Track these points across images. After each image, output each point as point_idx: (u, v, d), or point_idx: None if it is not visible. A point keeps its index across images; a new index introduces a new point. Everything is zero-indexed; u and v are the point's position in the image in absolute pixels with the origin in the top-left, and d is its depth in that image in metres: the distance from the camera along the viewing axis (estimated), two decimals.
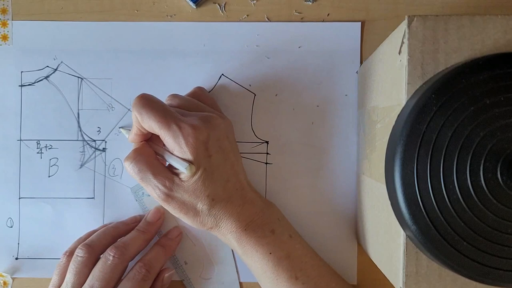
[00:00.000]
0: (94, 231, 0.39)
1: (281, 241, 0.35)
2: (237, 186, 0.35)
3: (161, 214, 0.40)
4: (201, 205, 0.33)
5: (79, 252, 0.36)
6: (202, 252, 0.41)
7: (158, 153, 0.35)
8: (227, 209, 0.34)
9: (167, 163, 0.34)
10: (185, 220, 0.34)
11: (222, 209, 0.34)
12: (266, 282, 0.35)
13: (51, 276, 0.41)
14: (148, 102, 0.32)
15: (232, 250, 0.40)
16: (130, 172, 0.34)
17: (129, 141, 0.36)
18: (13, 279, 0.41)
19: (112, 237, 0.38)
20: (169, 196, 0.33)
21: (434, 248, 0.24)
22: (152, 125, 0.32)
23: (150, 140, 0.36)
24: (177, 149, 0.32)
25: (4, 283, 0.41)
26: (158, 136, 0.34)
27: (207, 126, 0.33)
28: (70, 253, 0.37)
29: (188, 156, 0.32)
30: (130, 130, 0.37)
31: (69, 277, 0.35)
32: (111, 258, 0.35)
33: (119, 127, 0.41)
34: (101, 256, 0.36)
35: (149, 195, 0.41)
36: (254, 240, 0.34)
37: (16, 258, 0.41)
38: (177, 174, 0.33)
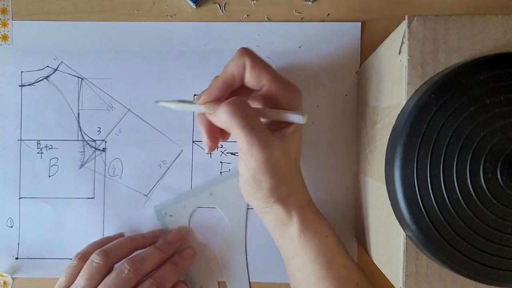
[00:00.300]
0: (109, 238, 0.39)
1: (330, 227, 0.35)
2: (298, 166, 0.35)
3: (182, 236, 0.40)
4: (288, 167, 0.32)
5: (95, 258, 0.36)
6: (217, 277, 0.41)
7: (258, 112, 0.32)
8: (300, 182, 0.34)
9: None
10: (265, 186, 0.31)
11: (298, 180, 0.34)
12: (314, 269, 0.33)
13: (51, 276, 0.41)
14: (259, 57, 0.32)
15: (248, 274, 0.41)
16: (233, 115, 0.29)
17: (201, 103, 0.32)
18: (13, 279, 0.41)
19: (130, 248, 0.38)
20: (269, 150, 0.30)
21: (434, 248, 0.24)
22: (266, 76, 0.31)
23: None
24: (295, 109, 0.32)
25: (4, 283, 0.41)
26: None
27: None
28: (82, 256, 0.37)
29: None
30: (179, 101, 0.33)
31: (80, 281, 0.35)
32: (126, 271, 0.35)
33: (157, 101, 0.35)
34: (116, 266, 0.36)
35: (171, 215, 0.41)
36: (316, 220, 0.34)
37: (16, 258, 0.41)
38: (278, 130, 0.32)
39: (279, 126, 0.32)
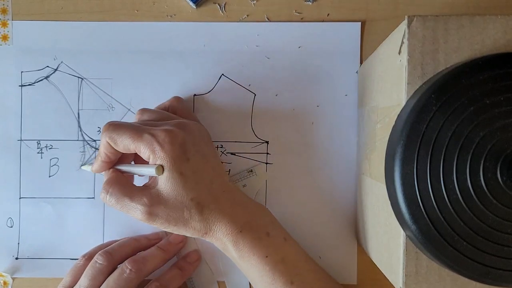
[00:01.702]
0: (117, 241, 0.39)
1: (276, 244, 0.35)
2: (223, 188, 0.34)
3: (184, 237, 0.40)
4: (188, 212, 0.32)
5: (99, 259, 0.36)
6: (217, 277, 0.41)
7: (126, 171, 0.35)
8: (218, 211, 0.33)
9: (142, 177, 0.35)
10: (178, 232, 0.33)
11: (213, 211, 0.33)
12: (263, 287, 0.35)
13: (51, 276, 0.41)
14: (116, 126, 0.32)
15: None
16: (109, 204, 0.33)
17: (92, 171, 0.35)
18: (13, 279, 0.41)
19: (133, 249, 0.38)
20: (151, 214, 0.32)
21: (434, 248, 0.24)
22: (126, 142, 0.32)
23: (114, 165, 0.36)
24: (152, 155, 0.32)
25: (4, 283, 0.41)
26: (121, 157, 0.35)
27: (181, 131, 0.32)
28: (89, 257, 0.37)
29: (164, 161, 0.31)
30: (91, 164, 0.37)
31: (84, 281, 0.35)
32: (127, 271, 0.35)
33: (81, 166, 0.41)
34: (118, 266, 0.36)
35: None
36: (250, 243, 0.33)
37: (16, 258, 0.41)
38: (154, 187, 0.32)
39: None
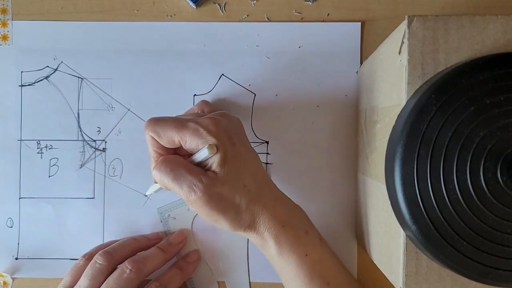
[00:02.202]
0: (117, 241, 0.39)
1: (314, 244, 0.34)
2: (265, 180, 0.33)
3: (184, 238, 0.40)
4: (239, 198, 0.31)
5: (98, 259, 0.36)
6: (218, 277, 0.41)
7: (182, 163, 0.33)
8: (263, 204, 0.32)
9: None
10: (224, 221, 0.32)
11: (258, 203, 0.32)
12: (297, 286, 0.33)
13: (51, 276, 0.41)
14: (157, 120, 0.32)
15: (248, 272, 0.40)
16: (161, 173, 0.31)
17: (153, 175, 0.33)
18: (13, 279, 0.41)
19: (133, 249, 0.38)
20: (207, 193, 0.30)
21: (434, 248, 0.24)
22: (169, 134, 0.31)
23: None
24: (200, 141, 0.31)
25: (4, 283, 0.41)
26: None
27: (224, 119, 0.32)
28: (89, 257, 0.37)
29: (212, 140, 0.30)
30: (153, 187, 0.35)
31: (84, 281, 0.35)
32: (127, 271, 0.35)
33: (146, 194, 0.40)
34: (119, 266, 0.36)
35: (175, 218, 0.41)
36: (292, 239, 0.33)
37: (16, 258, 0.41)
38: (209, 169, 0.31)
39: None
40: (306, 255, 0.33)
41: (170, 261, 0.39)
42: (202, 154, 0.31)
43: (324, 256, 0.34)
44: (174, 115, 0.39)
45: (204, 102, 0.39)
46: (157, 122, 0.32)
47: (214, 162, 0.31)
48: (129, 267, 0.35)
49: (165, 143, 0.32)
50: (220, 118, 0.32)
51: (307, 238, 0.34)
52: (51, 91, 0.41)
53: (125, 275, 0.35)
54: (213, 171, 0.31)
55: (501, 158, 0.23)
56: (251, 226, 0.32)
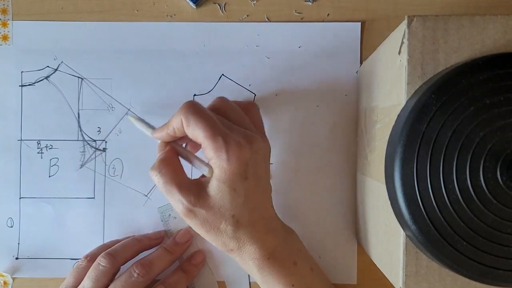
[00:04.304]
0: (118, 241, 0.39)
1: (302, 274, 0.34)
2: (263, 214, 0.34)
3: (190, 236, 0.40)
4: (225, 225, 0.32)
5: (101, 261, 0.36)
6: (217, 277, 0.41)
7: (182, 155, 0.34)
8: (252, 235, 0.32)
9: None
10: (205, 237, 0.33)
11: (247, 233, 0.32)
12: None
13: (51, 276, 0.41)
14: (197, 110, 0.31)
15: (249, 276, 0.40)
16: (155, 182, 0.32)
17: (153, 137, 0.34)
18: (13, 279, 0.41)
19: (136, 250, 0.38)
20: (192, 212, 0.31)
21: (434, 248, 0.24)
22: (198, 133, 0.31)
23: (173, 142, 0.35)
24: (213, 160, 0.31)
25: (4, 283, 0.41)
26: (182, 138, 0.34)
27: (250, 148, 0.32)
28: (92, 258, 0.37)
29: (223, 173, 0.31)
30: (139, 119, 0.36)
31: (87, 283, 0.35)
32: (135, 275, 0.35)
33: (129, 115, 0.38)
34: (124, 269, 0.36)
35: (175, 217, 0.41)
36: (276, 271, 0.33)
37: (16, 258, 0.41)
38: (204, 188, 0.32)
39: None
40: (293, 285, 0.33)
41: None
42: (203, 169, 0.32)
43: (313, 285, 0.35)
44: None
45: (251, 105, 0.38)
46: (195, 112, 0.31)
47: (211, 185, 0.32)
48: (136, 271, 0.35)
49: (189, 133, 0.32)
50: (248, 148, 0.31)
51: (295, 269, 0.34)
52: (51, 91, 0.41)
53: (132, 278, 0.35)
54: (206, 192, 0.32)
55: (501, 158, 0.23)
56: (234, 251, 0.33)
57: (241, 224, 0.32)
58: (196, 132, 0.31)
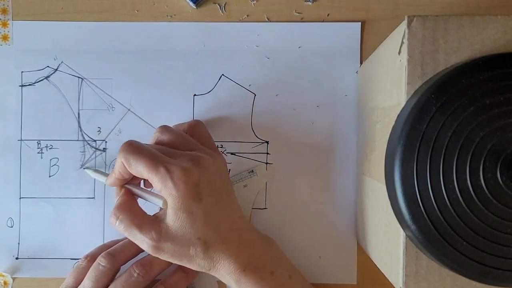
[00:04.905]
0: (118, 241, 0.39)
1: (280, 283, 0.34)
2: (232, 227, 0.34)
3: None
4: (193, 250, 0.32)
5: (102, 261, 0.36)
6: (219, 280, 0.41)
7: (137, 194, 0.35)
8: (223, 251, 0.33)
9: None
10: (184, 265, 0.33)
11: (218, 250, 0.33)
12: None
13: (51, 276, 0.41)
14: (134, 149, 0.32)
15: None
16: (118, 230, 0.33)
17: (107, 184, 0.35)
18: (13, 279, 0.41)
19: (136, 250, 0.38)
20: (158, 248, 0.32)
21: (434, 248, 0.24)
22: (140, 170, 0.31)
23: (128, 183, 0.35)
24: (163, 191, 0.32)
25: (4, 283, 0.41)
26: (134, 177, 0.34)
27: (197, 169, 0.32)
28: (92, 258, 0.37)
29: (175, 200, 0.32)
30: (95, 170, 0.39)
31: (87, 283, 0.35)
32: (135, 275, 0.35)
33: (84, 168, 0.41)
34: (124, 269, 0.36)
35: None
36: (253, 282, 0.33)
37: (16, 258, 0.41)
38: (163, 220, 0.32)
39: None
40: None
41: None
42: (157, 202, 0.33)
43: None
44: (174, 115, 0.39)
45: (196, 123, 0.38)
46: (133, 152, 0.32)
47: (168, 215, 0.32)
48: (136, 271, 0.35)
49: (134, 173, 0.32)
50: (194, 170, 0.32)
51: (272, 278, 0.34)
52: (51, 91, 0.41)
53: (132, 278, 0.35)
54: (166, 224, 0.32)
55: (501, 158, 0.23)
56: (211, 270, 0.33)
57: (210, 243, 0.32)
58: (138, 169, 0.32)
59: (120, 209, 0.33)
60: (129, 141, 0.33)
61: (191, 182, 0.32)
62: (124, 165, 0.32)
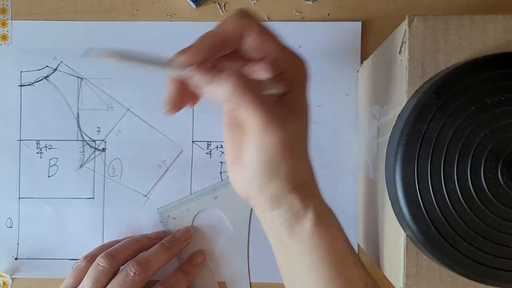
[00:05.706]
0: (117, 241, 0.39)
1: (338, 220, 0.30)
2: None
3: (190, 235, 0.40)
4: (307, 144, 0.27)
5: (101, 261, 0.36)
6: (218, 277, 0.41)
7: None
8: (312, 165, 0.29)
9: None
10: (286, 159, 0.25)
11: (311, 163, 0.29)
12: (326, 269, 0.28)
13: (51, 276, 0.41)
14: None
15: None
16: (243, 81, 0.24)
17: (182, 64, 0.26)
18: (13, 279, 0.41)
19: (135, 250, 0.38)
20: (288, 118, 0.25)
21: (434, 248, 0.24)
22: (272, 41, 0.26)
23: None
24: (294, 68, 0.27)
25: (4, 283, 0.41)
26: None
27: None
28: (91, 258, 0.37)
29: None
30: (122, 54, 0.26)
31: (86, 283, 0.35)
32: (132, 274, 0.35)
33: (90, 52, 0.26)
34: (123, 269, 0.36)
35: (174, 218, 0.41)
36: (329, 211, 0.30)
37: (16, 258, 0.41)
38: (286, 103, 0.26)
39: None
40: (339, 231, 0.29)
41: (174, 261, 0.39)
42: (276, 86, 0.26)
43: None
44: (173, 115, 0.35)
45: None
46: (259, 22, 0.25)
47: (291, 97, 0.26)
48: (133, 269, 0.35)
49: (253, 43, 0.26)
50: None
51: (333, 212, 0.30)
52: (50, 91, 0.41)
53: (129, 277, 0.35)
54: (294, 109, 0.26)
55: (502, 158, 0.23)
56: (301, 186, 0.27)
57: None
58: (270, 39, 0.26)
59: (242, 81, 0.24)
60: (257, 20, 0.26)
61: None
62: (245, 30, 0.25)
